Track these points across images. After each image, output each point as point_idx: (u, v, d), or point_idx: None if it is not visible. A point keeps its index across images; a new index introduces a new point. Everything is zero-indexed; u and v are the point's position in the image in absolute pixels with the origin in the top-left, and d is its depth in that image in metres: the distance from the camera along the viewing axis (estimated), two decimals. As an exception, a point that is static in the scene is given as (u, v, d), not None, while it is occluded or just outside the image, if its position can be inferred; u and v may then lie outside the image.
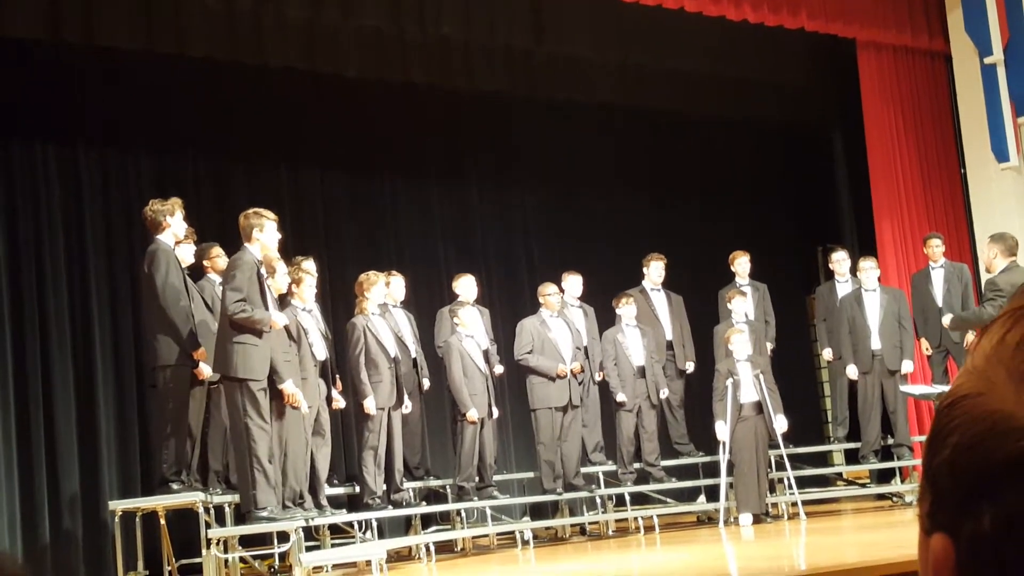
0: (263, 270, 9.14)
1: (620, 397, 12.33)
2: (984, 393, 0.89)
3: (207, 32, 11.63)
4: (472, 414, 11.31)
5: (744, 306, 12.77)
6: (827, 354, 13.46)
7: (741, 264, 13.43)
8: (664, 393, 12.67)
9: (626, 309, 12.48)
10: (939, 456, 0.91)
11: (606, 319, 12.73)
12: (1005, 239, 11.18)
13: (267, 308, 9.06)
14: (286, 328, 9.40)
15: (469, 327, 11.59)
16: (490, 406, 11.53)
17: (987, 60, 14.53)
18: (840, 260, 13.50)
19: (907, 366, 12.69)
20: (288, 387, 9.14)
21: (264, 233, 9.17)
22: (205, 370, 9.49)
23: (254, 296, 8.96)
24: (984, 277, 12.54)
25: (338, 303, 11.99)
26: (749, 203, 15.78)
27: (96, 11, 10.88)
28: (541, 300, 12.16)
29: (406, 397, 11.03)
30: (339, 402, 10.65)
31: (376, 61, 12.75)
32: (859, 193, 15.06)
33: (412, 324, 11.77)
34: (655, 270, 13.15)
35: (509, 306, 13.49)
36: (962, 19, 14.74)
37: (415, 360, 11.51)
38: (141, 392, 11.08)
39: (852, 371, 12.84)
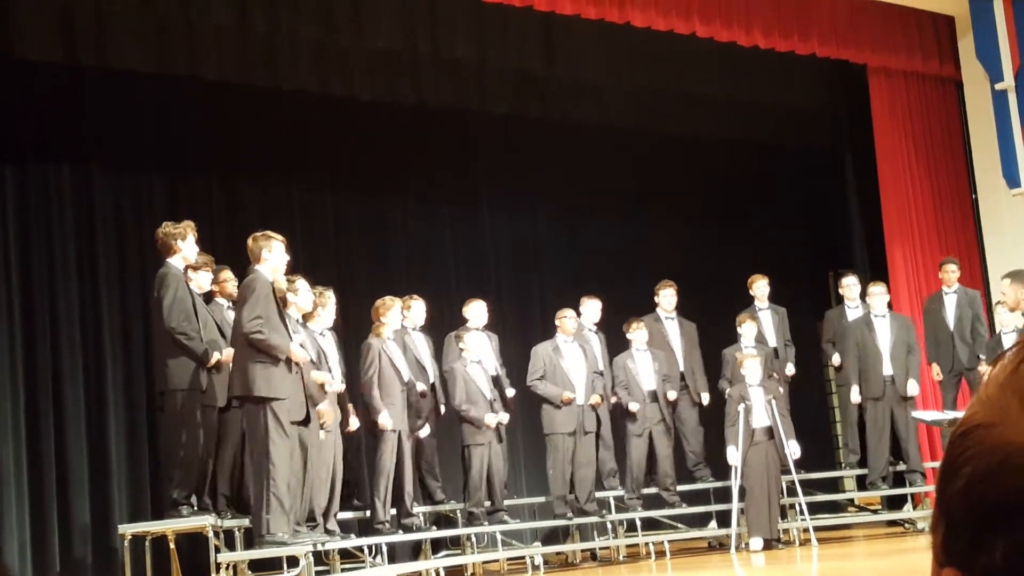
0: (276, 290, 9.15)
1: (633, 406, 12.27)
2: (997, 424, 0.88)
3: (220, 54, 11.67)
4: (489, 419, 11.30)
5: (754, 330, 12.74)
6: (836, 360, 13.38)
7: (760, 288, 13.39)
8: (672, 395, 12.59)
9: (637, 334, 12.45)
10: (952, 486, 0.90)
11: (621, 344, 12.70)
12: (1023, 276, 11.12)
13: (286, 328, 9.07)
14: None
15: (475, 352, 11.56)
16: (497, 431, 11.49)
17: (998, 86, 14.54)
18: (850, 285, 13.49)
19: (912, 387, 12.63)
20: (295, 349, 9.11)
21: (273, 254, 9.16)
22: (226, 354, 9.47)
23: (272, 317, 8.95)
24: (998, 308, 12.51)
25: (348, 326, 11.97)
26: (760, 227, 15.77)
27: (110, 34, 10.94)
28: (557, 323, 12.14)
29: (421, 421, 11.06)
30: (353, 424, 10.63)
31: (389, 83, 12.78)
32: (870, 218, 15.05)
33: (431, 348, 11.75)
34: (665, 297, 13.10)
35: (520, 330, 13.48)
36: (973, 45, 14.76)
37: (433, 384, 11.50)
38: (152, 416, 11.05)
39: (855, 395, 12.83)
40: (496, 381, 11.77)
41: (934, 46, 15.13)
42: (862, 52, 14.57)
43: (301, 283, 9.83)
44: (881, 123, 14.88)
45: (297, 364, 9.08)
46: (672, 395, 12.59)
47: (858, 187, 15.43)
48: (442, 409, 11.62)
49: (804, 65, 14.52)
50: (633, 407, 12.27)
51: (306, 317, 10.15)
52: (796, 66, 14.52)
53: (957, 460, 0.90)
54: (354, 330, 11.59)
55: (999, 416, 0.89)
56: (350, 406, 10.74)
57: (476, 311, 11.99)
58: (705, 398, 12.94)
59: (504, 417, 11.57)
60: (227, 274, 10.33)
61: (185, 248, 9.55)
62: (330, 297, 10.55)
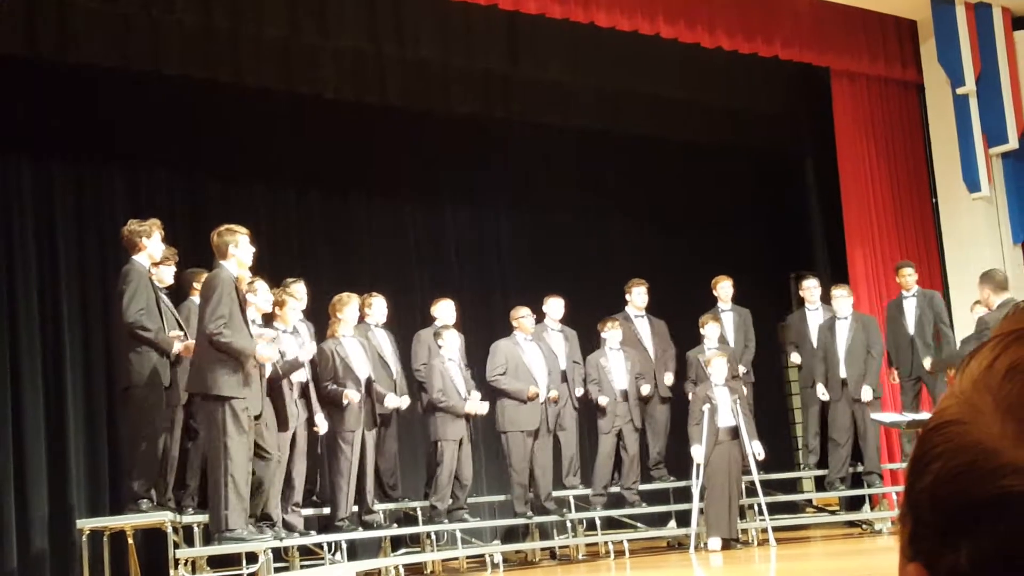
0: (239, 287, 9.09)
1: (602, 400, 12.31)
2: (968, 422, 0.88)
3: (183, 50, 11.61)
4: (470, 407, 11.36)
5: (718, 331, 12.80)
6: (795, 359, 13.48)
7: (723, 288, 13.43)
8: (646, 389, 12.63)
9: (611, 333, 12.49)
10: (921, 482, 0.90)
11: (586, 343, 12.74)
12: (994, 276, 11.19)
13: (247, 326, 9.02)
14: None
15: (451, 350, 11.57)
16: (468, 429, 11.50)
17: (959, 91, 14.62)
18: (811, 287, 13.51)
19: (866, 393, 12.66)
20: (260, 350, 9.07)
21: (239, 248, 9.11)
22: (186, 345, 9.47)
23: (235, 315, 8.90)
24: (979, 305, 12.53)
25: (313, 324, 11.95)
26: (722, 229, 15.79)
27: (72, 28, 10.87)
28: (515, 323, 12.13)
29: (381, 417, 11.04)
30: (321, 427, 10.55)
31: (353, 81, 12.76)
32: (831, 221, 15.11)
33: (393, 345, 11.71)
34: (638, 295, 13.14)
35: (483, 329, 13.45)
36: (935, 50, 14.83)
37: (395, 382, 11.45)
38: (111, 411, 11.01)
39: (822, 392, 12.88)
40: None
41: (896, 50, 15.21)
42: (825, 55, 14.62)
43: (260, 284, 9.76)
44: (843, 126, 14.94)
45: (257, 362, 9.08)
46: (646, 389, 12.63)
47: (819, 190, 15.49)
48: (404, 403, 11.52)
49: (767, 68, 14.57)
50: (602, 401, 12.31)
51: (268, 316, 10.09)
52: (759, 69, 14.56)
53: (927, 455, 0.90)
54: (316, 329, 11.55)
55: (971, 414, 0.89)
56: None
57: (444, 310, 12.03)
58: (668, 377, 12.95)
59: (482, 408, 11.58)
60: (205, 275, 10.25)
61: (151, 246, 9.51)
62: (298, 290, 10.54)
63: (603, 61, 13.65)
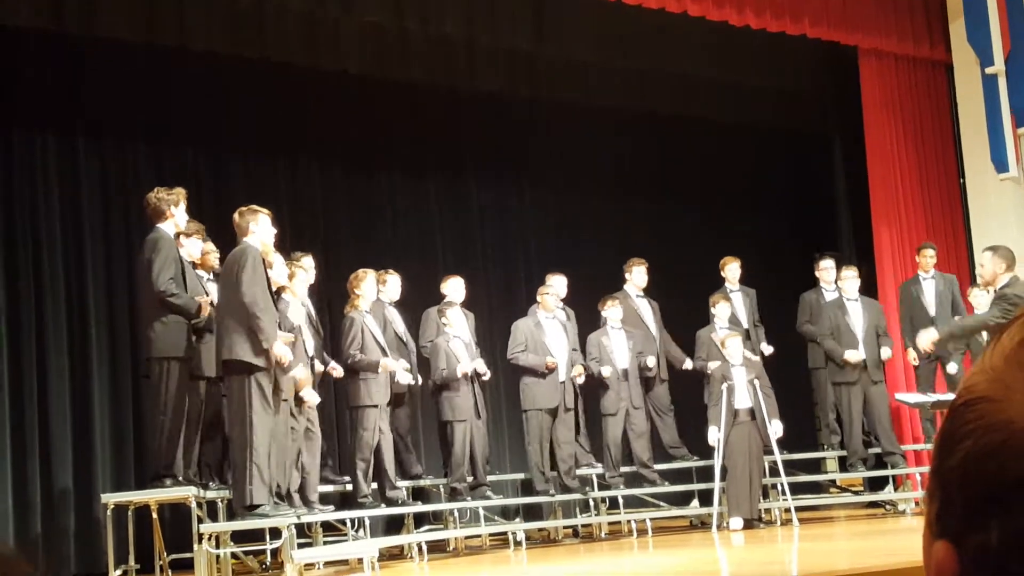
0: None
1: (606, 371, 12.25)
2: (1000, 400, 0.87)
3: (208, 25, 11.62)
4: (466, 366, 11.32)
5: (728, 311, 12.80)
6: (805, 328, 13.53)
7: (731, 270, 13.47)
8: (652, 362, 12.59)
9: (612, 311, 12.44)
10: (951, 459, 0.89)
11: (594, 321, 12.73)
12: (1005, 252, 11.12)
13: (274, 303, 9.12)
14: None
15: (456, 327, 11.56)
16: (476, 407, 11.50)
17: (988, 70, 14.53)
18: (827, 268, 13.55)
19: (885, 352, 12.68)
20: (277, 348, 9.09)
21: (260, 227, 9.15)
22: (210, 293, 9.50)
23: (264, 293, 8.97)
24: (976, 289, 12.44)
25: (335, 299, 11.98)
26: (748, 208, 15.77)
27: (97, 3, 10.87)
28: (539, 299, 12.16)
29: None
30: (337, 371, 10.60)
31: (377, 58, 12.75)
32: (858, 200, 15.06)
33: (404, 324, 11.72)
34: (638, 275, 13.09)
35: (505, 306, 13.47)
36: (964, 29, 14.75)
37: (413, 360, 11.48)
38: (136, 384, 11.05)
39: (846, 372, 12.85)
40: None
41: (925, 29, 15.12)
42: (853, 34, 14.55)
43: (276, 257, 9.78)
44: (871, 105, 14.87)
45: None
46: (651, 361, 12.57)
47: (846, 169, 15.45)
48: (418, 380, 11.58)
49: (795, 46, 14.49)
50: (605, 371, 12.22)
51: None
52: (787, 47, 14.49)
53: (957, 432, 0.89)
54: (337, 304, 11.59)
55: (1002, 391, 0.87)
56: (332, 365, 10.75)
57: (454, 287, 11.99)
58: (688, 364, 12.93)
59: (479, 365, 11.56)
60: (210, 246, 10.30)
61: (177, 215, 9.53)
62: (306, 264, 10.60)
63: (629, 40, 13.60)
